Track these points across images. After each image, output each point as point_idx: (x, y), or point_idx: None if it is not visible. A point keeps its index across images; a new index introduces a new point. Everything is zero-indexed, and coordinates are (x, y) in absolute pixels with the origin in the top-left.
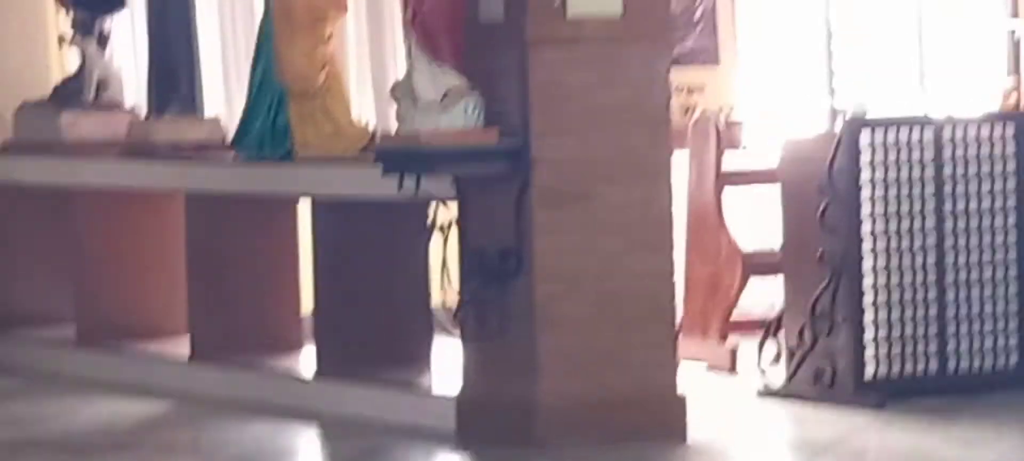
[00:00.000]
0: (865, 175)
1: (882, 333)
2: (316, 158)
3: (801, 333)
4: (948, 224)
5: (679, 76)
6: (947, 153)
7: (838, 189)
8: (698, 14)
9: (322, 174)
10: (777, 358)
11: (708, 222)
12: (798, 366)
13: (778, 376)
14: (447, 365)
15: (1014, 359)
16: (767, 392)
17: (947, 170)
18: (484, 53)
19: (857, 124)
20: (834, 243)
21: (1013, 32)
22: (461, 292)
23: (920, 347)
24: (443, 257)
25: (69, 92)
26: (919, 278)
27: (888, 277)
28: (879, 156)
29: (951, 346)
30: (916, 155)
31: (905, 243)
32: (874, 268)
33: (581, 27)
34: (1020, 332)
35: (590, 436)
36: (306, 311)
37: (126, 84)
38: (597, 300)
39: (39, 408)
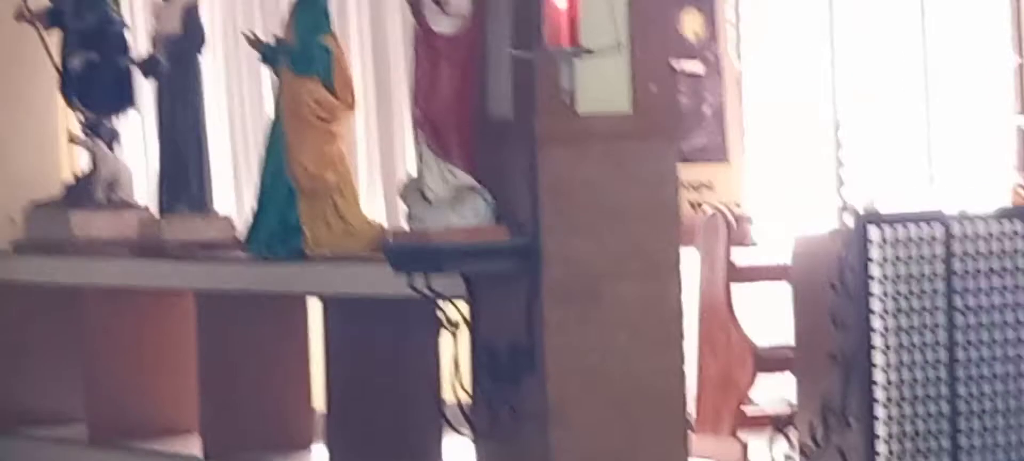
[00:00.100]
0: (875, 271)
1: (894, 430)
2: (327, 256)
3: (813, 430)
4: (959, 320)
5: (688, 173)
6: (957, 249)
7: (848, 285)
8: (707, 111)
9: (333, 272)
10: (789, 455)
11: (719, 318)
12: None
13: None
14: None
15: None
16: None
17: (958, 266)
18: (493, 150)
19: (867, 220)
20: (845, 339)
21: (1021, 128)
22: (472, 390)
23: (933, 444)
24: (454, 355)
25: (79, 191)
26: (931, 375)
27: (900, 374)
28: (889, 252)
29: (964, 443)
30: (926, 251)
31: (916, 339)
32: (885, 365)
33: (590, 124)
34: None
35: None
36: (317, 409)
37: (136, 183)
38: (609, 397)
39: None
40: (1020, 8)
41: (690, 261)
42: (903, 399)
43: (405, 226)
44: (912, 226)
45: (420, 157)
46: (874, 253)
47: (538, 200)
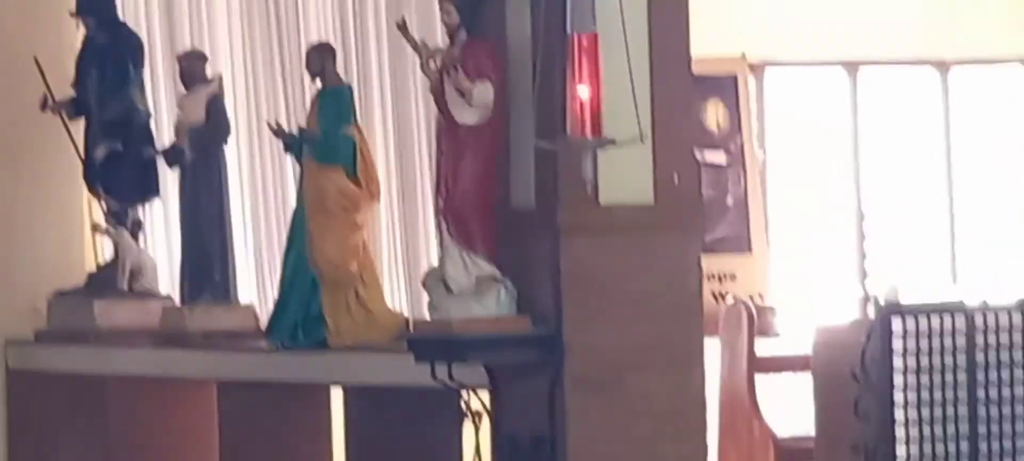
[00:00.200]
0: (898, 362)
1: None
2: (349, 346)
3: None
4: (981, 411)
5: (711, 263)
6: (980, 340)
7: (871, 376)
8: (730, 202)
9: (355, 362)
10: None
11: (741, 409)
12: None
13: None
14: None
15: None
16: None
17: (980, 358)
18: (516, 240)
19: (889, 311)
20: (867, 431)
21: None
22: None
23: None
24: (476, 445)
25: (103, 280)
26: None
27: None
28: (911, 344)
29: None
30: (949, 343)
31: (938, 431)
32: (907, 456)
33: (613, 214)
34: None
35: None
36: None
37: (160, 272)
38: None
39: None
40: None
41: (713, 352)
42: None
43: (427, 316)
44: (934, 317)
45: (443, 247)
46: (896, 344)
47: (560, 290)
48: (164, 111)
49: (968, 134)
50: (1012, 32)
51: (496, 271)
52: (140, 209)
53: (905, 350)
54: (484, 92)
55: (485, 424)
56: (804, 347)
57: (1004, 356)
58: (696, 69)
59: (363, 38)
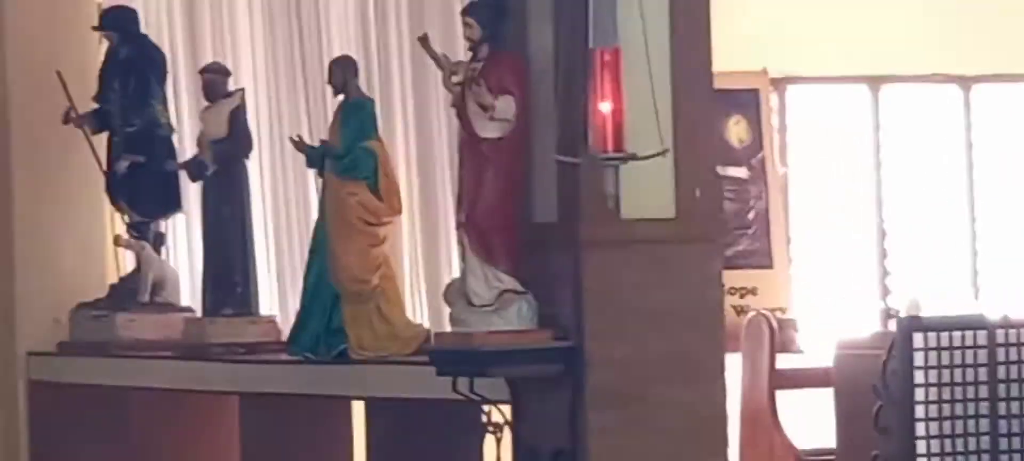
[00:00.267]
0: (919, 377)
1: None
2: (371, 358)
3: None
4: (1002, 426)
5: (732, 278)
6: (1001, 355)
7: (892, 391)
8: (751, 216)
9: (376, 374)
10: None
11: (762, 423)
12: None
13: None
14: None
15: None
16: None
17: (1001, 372)
18: (537, 254)
19: (911, 326)
20: (889, 445)
21: None
22: None
23: None
24: (497, 457)
25: (125, 293)
26: None
27: None
28: (933, 358)
29: None
30: (970, 357)
31: (960, 445)
32: None
33: (634, 228)
34: None
35: None
36: None
37: (181, 285)
38: None
39: None
40: None
41: (734, 366)
42: None
43: (449, 329)
44: (956, 332)
45: (464, 260)
46: (918, 359)
47: (582, 304)
48: (186, 125)
49: (990, 150)
50: None
51: (517, 284)
52: (162, 222)
53: (927, 365)
54: (506, 106)
55: (506, 437)
56: (825, 361)
57: None
58: (718, 84)
59: (385, 52)
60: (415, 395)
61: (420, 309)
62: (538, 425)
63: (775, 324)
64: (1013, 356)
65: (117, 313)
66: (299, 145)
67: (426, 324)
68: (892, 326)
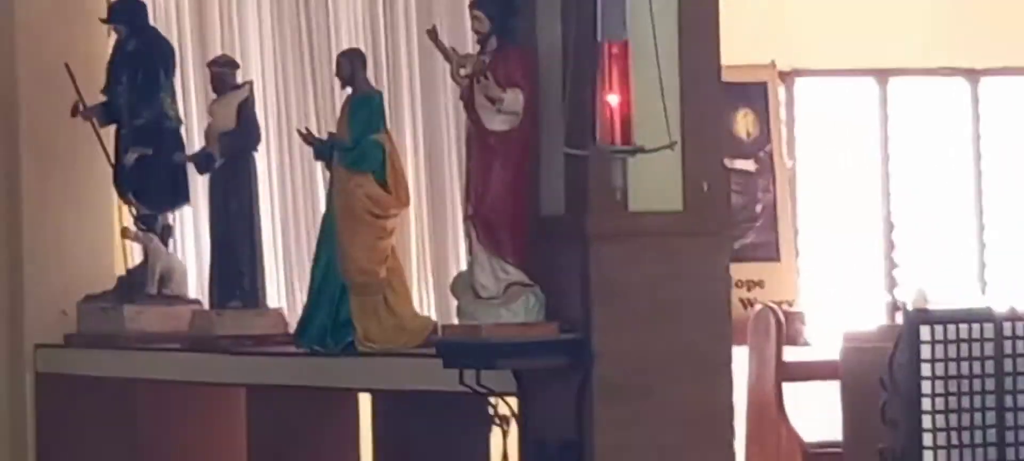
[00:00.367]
0: (926, 370)
1: None
2: (378, 351)
3: None
4: (1009, 419)
5: (739, 271)
6: (1008, 348)
7: (899, 383)
8: (759, 209)
9: (383, 367)
10: None
11: (768, 416)
12: None
13: None
14: None
15: None
16: None
17: (1008, 365)
18: (545, 247)
19: (918, 319)
20: (895, 438)
21: None
22: None
23: None
24: (504, 450)
25: (132, 285)
26: None
27: None
28: (940, 351)
29: None
30: (977, 350)
31: (966, 438)
32: None
33: (642, 222)
34: None
35: None
36: None
37: (189, 277)
38: None
39: None
40: None
41: (741, 359)
42: None
43: (456, 321)
44: (963, 325)
45: (472, 253)
46: (925, 351)
47: (589, 297)
48: (195, 117)
49: (998, 143)
50: None
51: (525, 277)
52: (170, 215)
53: (933, 357)
54: (514, 99)
55: (513, 430)
56: (832, 354)
57: None
58: (726, 77)
59: (393, 45)
60: (422, 387)
61: (427, 301)
62: (545, 418)
63: (782, 317)
64: (1020, 349)
65: (124, 305)
66: (307, 138)
67: (433, 316)
68: (899, 319)
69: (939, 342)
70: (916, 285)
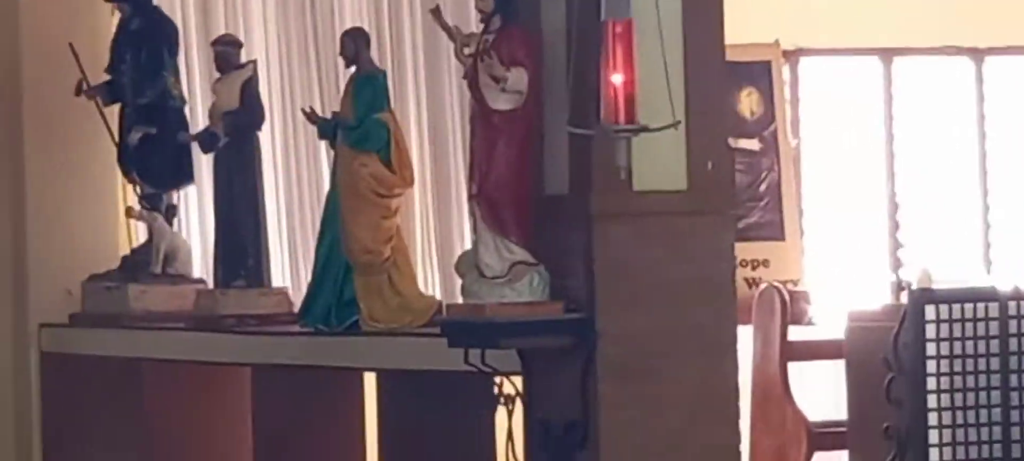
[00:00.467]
0: (931, 349)
1: None
2: (382, 330)
3: None
4: (1014, 398)
5: (744, 250)
6: (1013, 327)
7: (904, 363)
8: (763, 188)
9: (388, 346)
10: None
11: (773, 395)
12: None
13: None
14: None
15: None
16: None
17: (1013, 345)
18: (549, 226)
19: (923, 298)
20: (900, 416)
21: None
22: None
23: None
24: (509, 430)
25: (136, 264)
26: (984, 453)
27: (954, 452)
28: (945, 330)
29: None
30: (982, 329)
31: (971, 417)
32: (940, 443)
33: (647, 201)
34: None
35: None
36: None
37: (193, 256)
38: None
39: None
40: None
41: (746, 338)
42: None
43: (461, 300)
44: (967, 304)
45: (476, 232)
46: (930, 331)
47: (594, 276)
48: (198, 97)
49: (1002, 123)
50: None
51: (529, 256)
52: (174, 194)
53: (938, 337)
54: (518, 78)
55: (518, 409)
56: (837, 333)
57: None
58: (730, 56)
59: (397, 24)
60: (427, 367)
61: (432, 281)
62: (550, 397)
63: (787, 296)
64: None
65: (129, 284)
66: (311, 117)
67: (438, 296)
68: (904, 298)
69: (944, 321)
70: (921, 264)
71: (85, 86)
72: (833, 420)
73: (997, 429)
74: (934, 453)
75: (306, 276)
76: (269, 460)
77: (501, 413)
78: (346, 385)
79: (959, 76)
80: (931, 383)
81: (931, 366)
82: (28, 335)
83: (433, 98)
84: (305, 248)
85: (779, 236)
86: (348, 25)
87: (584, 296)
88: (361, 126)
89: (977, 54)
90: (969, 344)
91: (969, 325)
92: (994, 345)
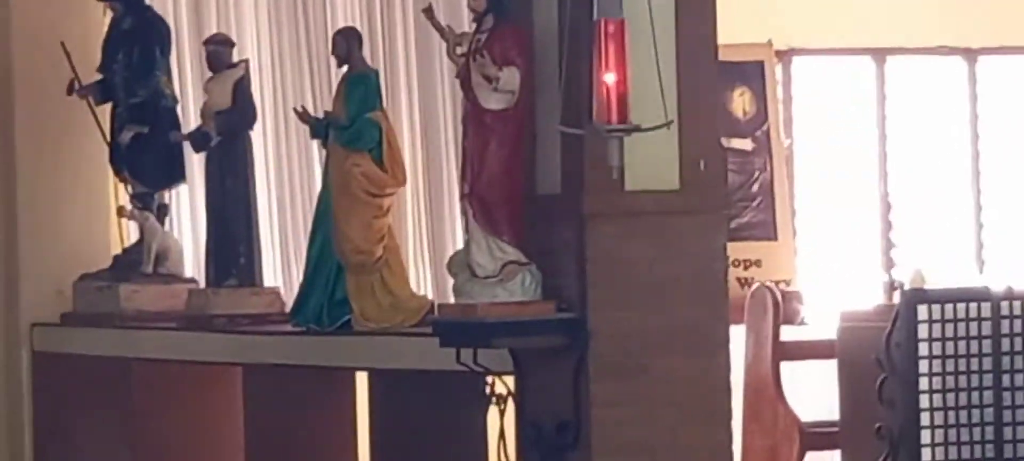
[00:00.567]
0: (923, 349)
1: None
2: (374, 330)
3: None
4: (1006, 398)
5: (736, 249)
6: (1005, 328)
7: (896, 363)
8: (755, 188)
9: (380, 346)
10: None
11: (766, 394)
12: None
13: None
14: None
15: None
16: None
17: (1005, 345)
18: (541, 225)
19: (915, 298)
20: (892, 416)
21: None
22: None
23: None
24: (501, 429)
25: (128, 264)
26: (977, 453)
27: (946, 452)
28: (937, 330)
29: None
30: (974, 329)
31: (963, 417)
32: (932, 443)
33: (639, 200)
34: None
35: None
36: None
37: (185, 256)
38: None
39: None
40: None
41: (738, 338)
42: None
43: (453, 300)
44: (960, 304)
45: (468, 231)
46: (922, 331)
47: (586, 275)
48: (190, 96)
49: (995, 123)
50: None
51: (521, 256)
52: (166, 193)
53: (931, 337)
54: (510, 78)
55: (510, 408)
56: (829, 333)
57: None
58: (723, 56)
59: (389, 23)
60: (419, 366)
61: (424, 280)
62: (542, 396)
63: (779, 296)
64: (1017, 328)
65: (120, 284)
66: (303, 116)
67: (430, 295)
68: (896, 298)
69: (936, 321)
70: (913, 264)
71: (77, 85)
72: (825, 420)
73: (989, 429)
74: (926, 453)
75: (298, 275)
76: (260, 459)
77: (493, 412)
78: (338, 384)
79: (952, 76)
80: (923, 383)
81: (923, 366)
82: (19, 335)
83: (425, 98)
84: (297, 247)
85: (771, 236)
86: (340, 24)
87: (576, 295)
88: (353, 125)
89: (970, 54)
90: (961, 344)
91: (961, 325)
92: (986, 345)
